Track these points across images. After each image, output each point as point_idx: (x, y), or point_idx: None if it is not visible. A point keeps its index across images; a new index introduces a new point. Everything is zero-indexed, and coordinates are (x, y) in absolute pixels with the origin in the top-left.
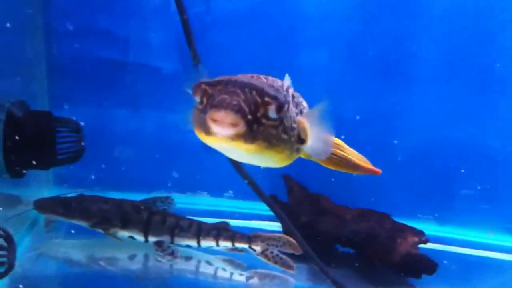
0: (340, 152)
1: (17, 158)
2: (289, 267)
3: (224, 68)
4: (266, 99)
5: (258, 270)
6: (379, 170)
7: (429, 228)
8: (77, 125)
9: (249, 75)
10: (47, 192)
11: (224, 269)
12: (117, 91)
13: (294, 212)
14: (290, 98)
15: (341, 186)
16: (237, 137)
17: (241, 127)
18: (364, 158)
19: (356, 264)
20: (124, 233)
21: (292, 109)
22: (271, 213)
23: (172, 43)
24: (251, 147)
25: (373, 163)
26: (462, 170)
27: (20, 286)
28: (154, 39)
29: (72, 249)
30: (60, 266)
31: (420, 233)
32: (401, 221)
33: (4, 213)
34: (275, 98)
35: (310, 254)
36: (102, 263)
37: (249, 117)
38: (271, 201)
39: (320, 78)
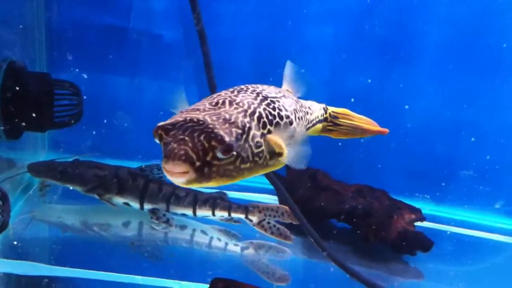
0: (348, 121)
1: (14, 118)
2: (286, 237)
3: (229, 40)
4: (213, 143)
5: (254, 241)
6: (386, 130)
7: (426, 207)
8: (76, 89)
9: (217, 99)
10: (42, 157)
11: (219, 239)
12: (116, 58)
13: (292, 186)
14: (254, 123)
15: (339, 162)
16: (190, 182)
17: (191, 174)
18: (371, 121)
19: (358, 232)
20: (119, 200)
21: (255, 134)
22: (267, 186)
23: (175, 10)
24: (210, 184)
25: (373, 142)
26: (473, 139)
27: (15, 242)
28: (156, 6)
29: (65, 214)
30: (53, 230)
31: (417, 210)
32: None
33: None
34: (221, 141)
35: (307, 227)
36: (95, 228)
37: (198, 163)
38: (269, 174)
39: (324, 53)
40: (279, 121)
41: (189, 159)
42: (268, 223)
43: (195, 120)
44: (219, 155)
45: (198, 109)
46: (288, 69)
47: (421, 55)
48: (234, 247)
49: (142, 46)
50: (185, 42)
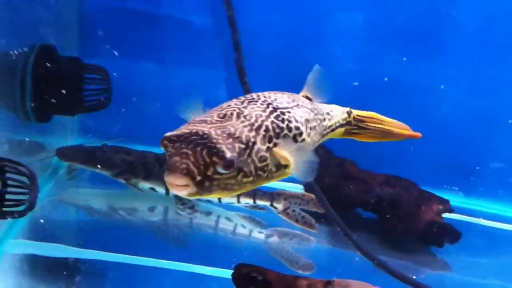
0: (375, 125)
1: (43, 101)
2: (311, 226)
3: (259, 26)
4: (214, 158)
5: (278, 228)
6: (418, 134)
7: (454, 199)
8: (105, 73)
9: (226, 110)
10: (71, 142)
11: (243, 226)
12: (147, 44)
13: (318, 174)
14: (259, 137)
15: (367, 152)
16: (191, 195)
17: (192, 188)
18: (401, 124)
19: (385, 222)
20: (145, 185)
21: (260, 149)
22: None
23: None
24: (211, 195)
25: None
26: (511, 121)
27: (42, 224)
28: None
29: (92, 198)
30: (80, 213)
31: (445, 201)
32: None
33: (27, 159)
34: (222, 157)
35: (333, 215)
36: (122, 213)
37: (198, 178)
38: None
39: (353, 42)
40: (287, 133)
41: (190, 174)
42: (293, 211)
43: (199, 133)
44: (220, 170)
45: (205, 121)
46: (314, 73)
47: (453, 42)
48: (259, 235)
49: (172, 31)
50: (216, 28)
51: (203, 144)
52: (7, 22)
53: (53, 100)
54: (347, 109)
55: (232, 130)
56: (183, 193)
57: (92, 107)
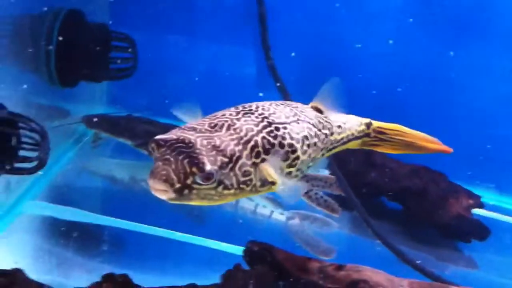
0: (399, 137)
1: (68, 65)
2: (334, 210)
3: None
4: (194, 169)
5: (300, 211)
6: (449, 149)
7: (487, 196)
8: (132, 42)
9: (218, 120)
10: (99, 111)
11: (264, 207)
12: (176, 18)
13: (344, 160)
14: (246, 152)
15: None
16: (170, 200)
17: (170, 194)
18: (429, 138)
19: (409, 213)
20: None
21: (244, 163)
22: None
23: None
24: (191, 202)
25: (433, 123)
26: None
27: (62, 189)
28: None
29: (115, 168)
30: (102, 182)
31: (475, 196)
32: None
33: (52, 123)
34: (201, 169)
35: (353, 200)
36: (143, 184)
37: (177, 185)
38: None
39: (389, 23)
40: (278, 149)
41: (170, 181)
42: (316, 194)
43: (186, 141)
44: (199, 181)
45: (195, 129)
46: (329, 84)
47: (495, 30)
48: (280, 216)
49: (202, 8)
50: (244, 4)
51: (186, 153)
52: None
53: (78, 65)
54: (367, 120)
55: (218, 142)
56: (162, 197)
57: (117, 75)
